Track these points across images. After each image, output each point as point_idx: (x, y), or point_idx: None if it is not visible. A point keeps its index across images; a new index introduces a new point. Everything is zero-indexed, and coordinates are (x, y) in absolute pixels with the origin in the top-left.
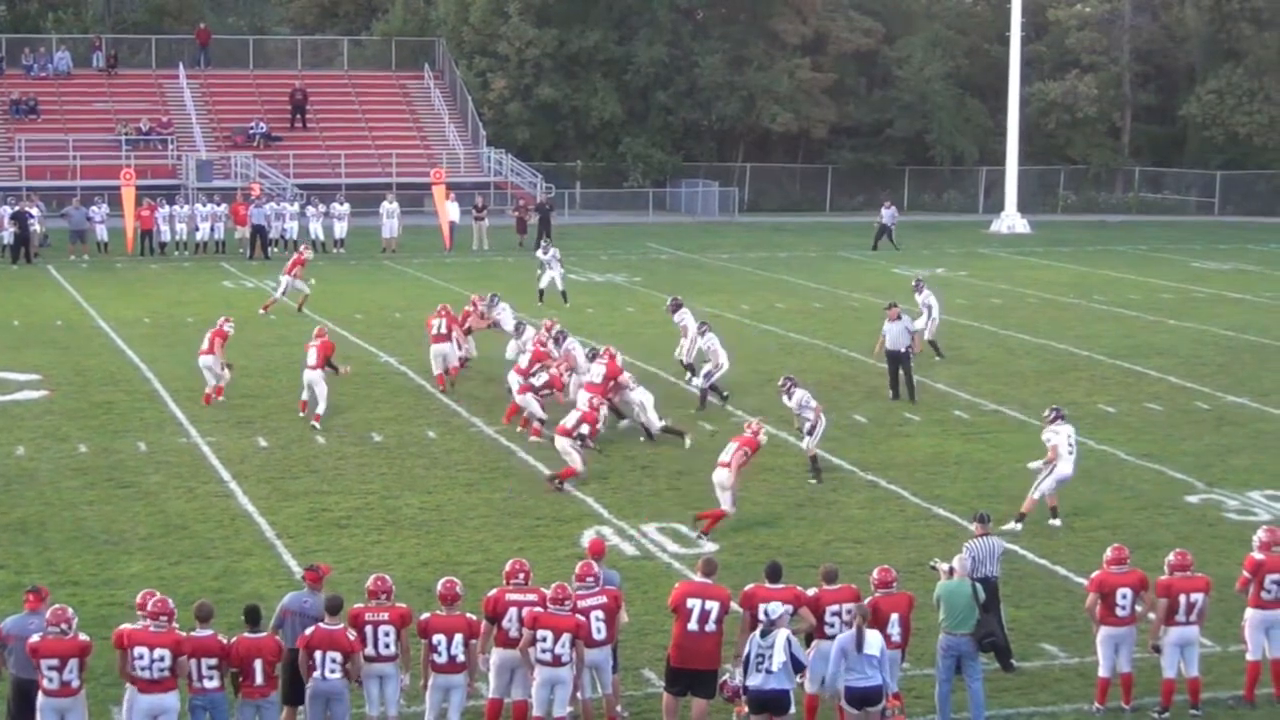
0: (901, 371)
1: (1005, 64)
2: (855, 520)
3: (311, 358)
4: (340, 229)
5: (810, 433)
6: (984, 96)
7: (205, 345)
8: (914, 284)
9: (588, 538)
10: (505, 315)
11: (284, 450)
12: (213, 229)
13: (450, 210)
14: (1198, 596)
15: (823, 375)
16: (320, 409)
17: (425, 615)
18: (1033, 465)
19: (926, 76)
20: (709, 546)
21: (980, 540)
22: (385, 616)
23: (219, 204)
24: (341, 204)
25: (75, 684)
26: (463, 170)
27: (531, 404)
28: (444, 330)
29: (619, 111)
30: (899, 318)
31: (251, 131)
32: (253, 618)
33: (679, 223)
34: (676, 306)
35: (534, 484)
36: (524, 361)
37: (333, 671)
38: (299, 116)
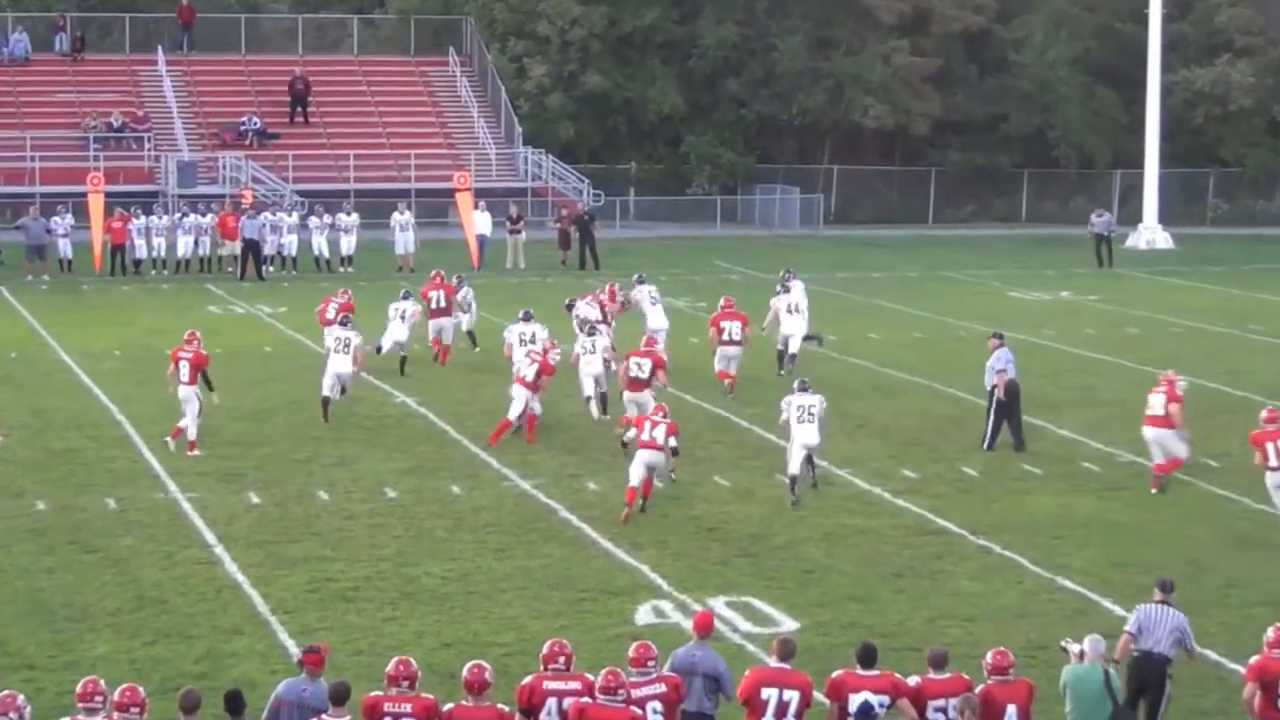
0: (994, 411)
1: (1143, 47)
2: (965, 594)
3: (185, 372)
4: (348, 244)
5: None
6: (1117, 86)
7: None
8: (783, 276)
9: (643, 614)
10: (644, 296)
11: (280, 508)
12: (196, 244)
13: (479, 222)
14: None
15: (924, 419)
16: (192, 434)
17: (449, 706)
18: None
19: (1049, 62)
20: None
21: (1154, 607)
22: (408, 708)
23: (204, 214)
24: (349, 214)
25: None
26: (494, 174)
27: (645, 400)
28: (443, 304)
29: (680, 104)
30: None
31: (243, 128)
32: (235, 706)
33: (752, 236)
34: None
35: (580, 548)
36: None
37: None
38: (300, 110)
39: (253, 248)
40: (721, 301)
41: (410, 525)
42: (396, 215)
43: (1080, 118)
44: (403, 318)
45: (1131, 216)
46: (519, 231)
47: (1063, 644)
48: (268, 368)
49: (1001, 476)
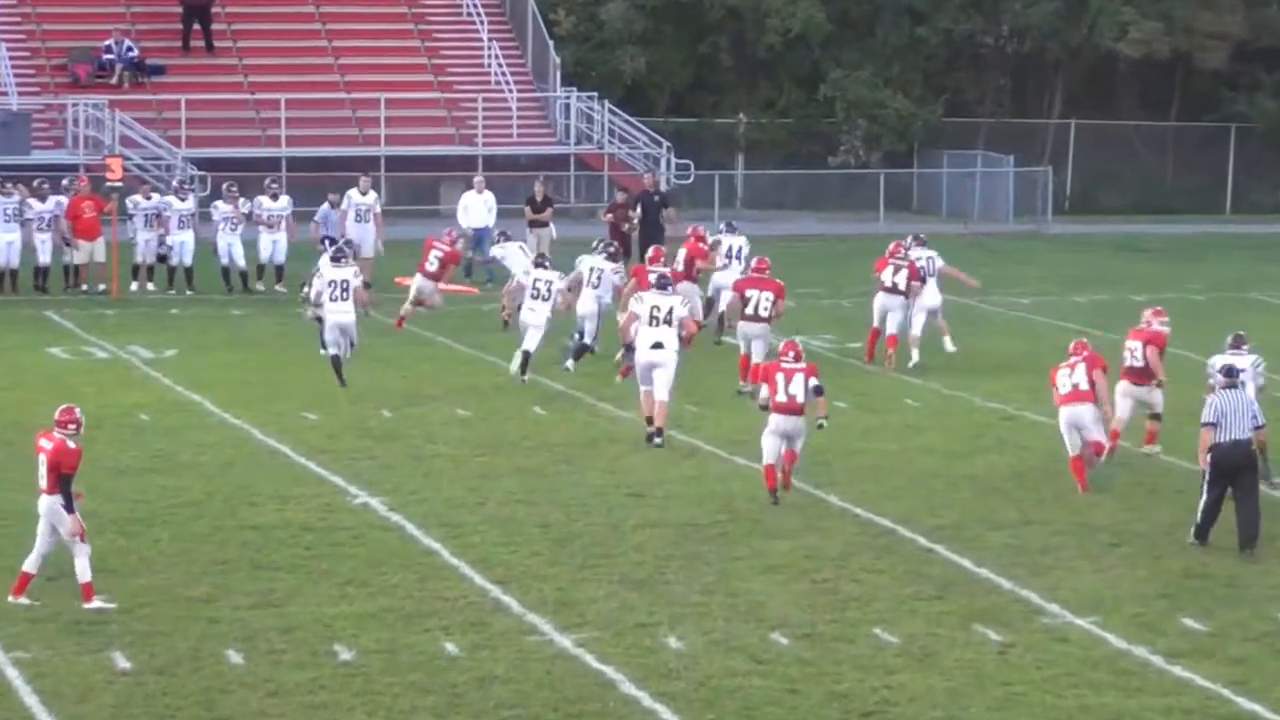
0: (1233, 486)
1: None
2: None
3: (42, 473)
4: (273, 246)
5: None
6: None
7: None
8: (724, 227)
9: None
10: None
11: (163, 679)
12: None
13: (476, 208)
14: None
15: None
16: (84, 574)
17: None
18: None
19: None
20: None
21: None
22: None
23: (43, 197)
24: (276, 198)
25: None
26: (515, 132)
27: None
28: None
29: (821, 19)
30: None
31: (107, 59)
32: None
33: (939, 234)
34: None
35: None
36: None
37: None
38: (199, 30)
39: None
40: (754, 262)
41: (377, 709)
42: (354, 195)
43: None
44: None
45: None
46: (544, 224)
47: None
48: (145, 448)
49: None
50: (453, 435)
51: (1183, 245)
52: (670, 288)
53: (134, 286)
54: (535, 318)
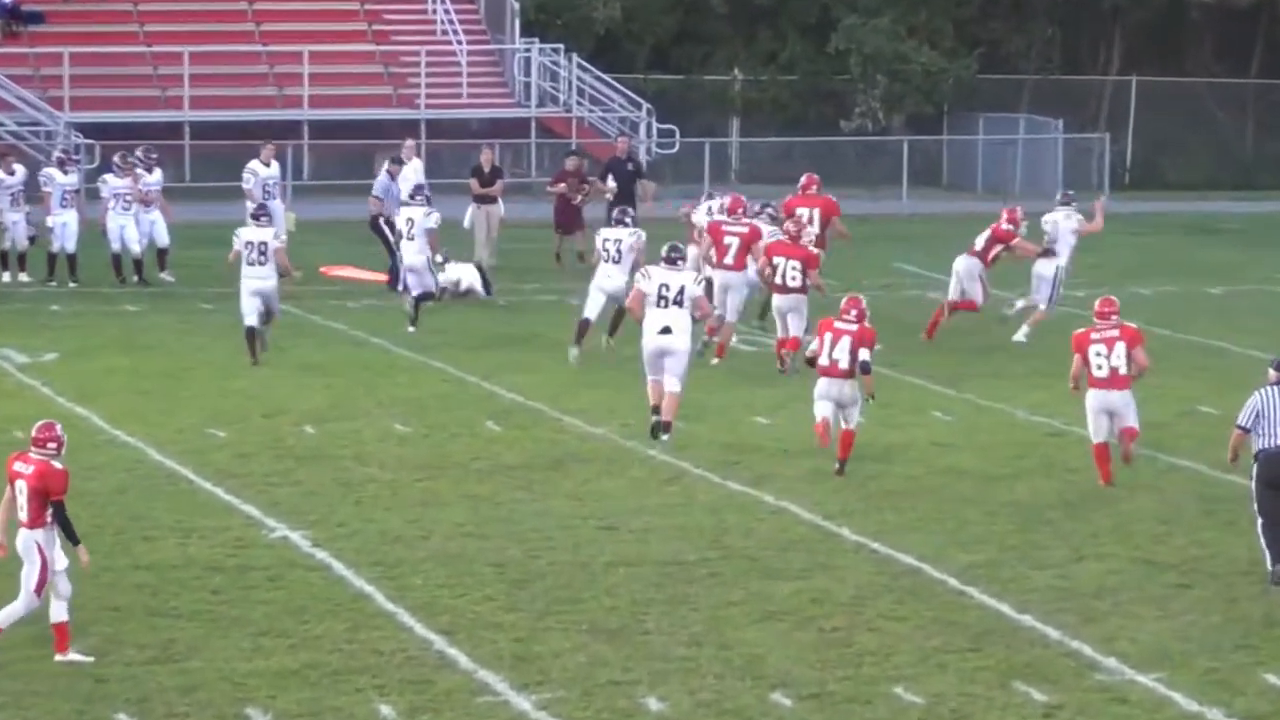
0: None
1: None
2: None
3: (23, 503)
4: (152, 225)
5: None
6: None
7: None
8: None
9: None
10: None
11: None
12: None
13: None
14: None
15: None
16: (59, 615)
17: None
18: None
19: None
20: None
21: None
22: None
23: None
24: (151, 170)
25: None
26: (465, 93)
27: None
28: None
29: None
30: None
31: None
32: None
33: (974, 214)
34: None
35: None
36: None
37: None
38: None
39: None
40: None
41: None
42: (256, 168)
43: None
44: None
45: None
46: (493, 199)
47: None
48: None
49: None
50: (389, 455)
51: (1265, 226)
52: (681, 261)
53: (4, 277)
54: (610, 283)
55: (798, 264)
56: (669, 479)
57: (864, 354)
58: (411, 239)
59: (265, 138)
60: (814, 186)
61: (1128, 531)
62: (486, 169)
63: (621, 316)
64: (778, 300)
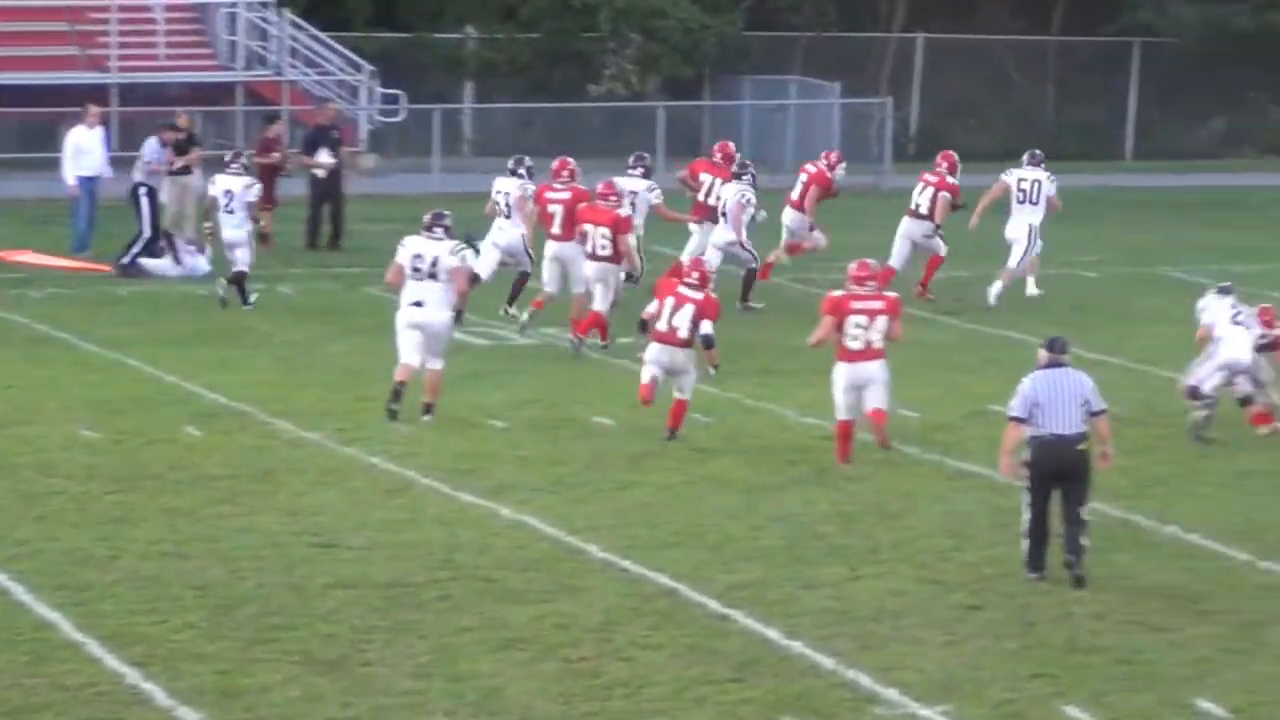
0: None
1: None
2: None
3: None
4: None
5: None
6: None
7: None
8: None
9: None
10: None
11: None
12: None
13: (92, 149)
14: None
15: None
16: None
17: None
18: None
19: None
20: None
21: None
22: None
23: None
24: None
25: None
26: (163, 54)
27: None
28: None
29: None
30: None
31: None
32: None
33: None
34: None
35: None
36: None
37: None
38: None
39: None
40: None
41: None
42: None
43: None
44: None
45: None
46: (188, 169)
47: None
48: None
49: None
50: (77, 465)
51: (1070, 201)
52: (439, 229)
53: None
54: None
55: (607, 230)
56: (394, 490)
57: (706, 326)
58: (231, 212)
59: None
60: (719, 155)
61: (911, 547)
62: (184, 129)
63: (524, 283)
64: (588, 269)
